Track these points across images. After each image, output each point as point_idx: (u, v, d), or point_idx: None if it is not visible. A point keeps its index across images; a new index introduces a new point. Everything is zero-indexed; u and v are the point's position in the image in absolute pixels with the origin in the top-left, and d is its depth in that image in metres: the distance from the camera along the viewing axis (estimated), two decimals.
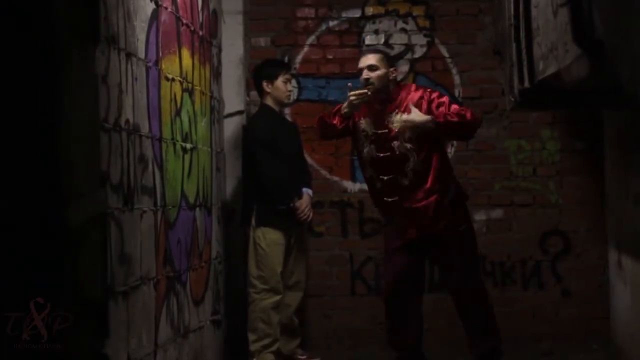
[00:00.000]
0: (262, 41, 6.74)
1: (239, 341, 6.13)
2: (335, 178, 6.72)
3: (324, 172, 6.70)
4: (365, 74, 5.18)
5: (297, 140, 6.20)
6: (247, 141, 6.11)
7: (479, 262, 5.54)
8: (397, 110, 5.14)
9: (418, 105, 5.10)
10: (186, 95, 5.27)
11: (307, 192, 6.00)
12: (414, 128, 5.08)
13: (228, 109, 6.52)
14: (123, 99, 4.05)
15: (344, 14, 6.76)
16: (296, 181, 5.98)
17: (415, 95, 5.17)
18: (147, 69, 4.47)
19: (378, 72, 5.17)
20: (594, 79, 3.14)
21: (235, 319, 6.24)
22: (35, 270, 3.43)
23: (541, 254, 6.62)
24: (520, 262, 6.62)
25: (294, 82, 6.43)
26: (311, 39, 6.76)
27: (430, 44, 6.68)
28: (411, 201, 5.14)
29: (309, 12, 6.77)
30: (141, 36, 4.37)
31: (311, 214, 6.02)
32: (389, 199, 5.20)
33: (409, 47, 6.68)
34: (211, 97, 6.01)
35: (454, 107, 5.12)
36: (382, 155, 5.17)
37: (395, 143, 5.14)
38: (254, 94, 6.44)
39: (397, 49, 6.67)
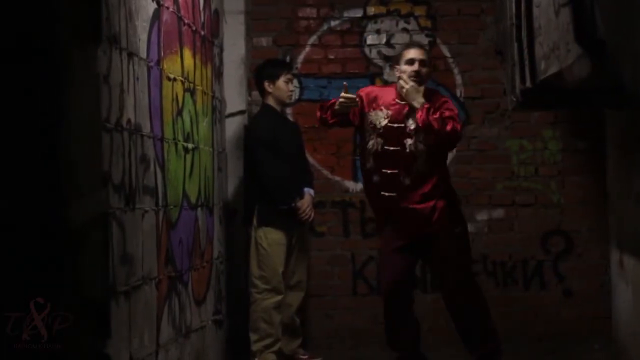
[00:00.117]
0: (264, 41, 6.74)
1: (240, 341, 6.13)
2: (337, 178, 6.72)
3: (325, 172, 6.70)
4: (418, 66, 5.18)
5: (298, 140, 6.20)
6: (248, 141, 6.12)
7: (471, 263, 5.54)
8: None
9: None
10: (188, 95, 5.27)
11: (308, 192, 6.00)
12: (407, 97, 5.10)
13: (230, 109, 6.52)
14: (125, 98, 4.05)
15: (345, 14, 6.76)
16: (298, 181, 5.97)
17: (435, 100, 5.18)
18: (149, 68, 4.47)
19: (426, 70, 5.24)
20: (596, 78, 3.14)
21: (237, 318, 6.24)
22: (36, 270, 3.43)
23: (543, 253, 6.62)
24: (521, 262, 6.62)
25: (295, 82, 6.43)
26: (313, 39, 6.76)
27: (432, 44, 6.67)
28: (409, 201, 5.14)
29: (310, 12, 6.77)
30: (143, 36, 4.37)
31: (313, 214, 6.02)
32: (386, 194, 5.19)
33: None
34: (213, 97, 6.01)
35: (446, 113, 5.11)
36: (391, 149, 5.16)
37: (409, 140, 5.14)
38: (255, 93, 6.44)
39: (399, 49, 6.65)
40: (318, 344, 6.55)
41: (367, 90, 5.40)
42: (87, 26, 3.69)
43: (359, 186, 6.56)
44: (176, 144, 4.98)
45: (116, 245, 3.86)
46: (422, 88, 5.14)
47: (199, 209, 5.49)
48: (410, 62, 5.21)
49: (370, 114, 5.25)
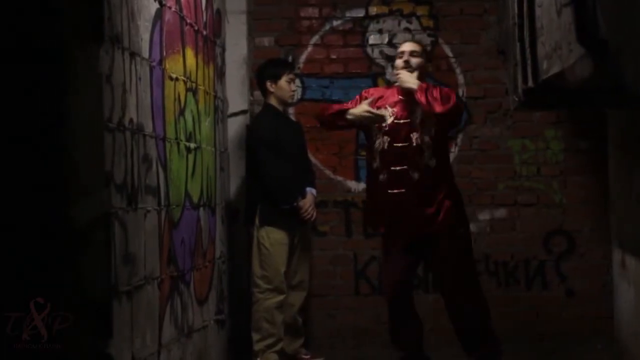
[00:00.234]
0: (266, 41, 6.75)
1: (242, 341, 6.14)
2: (339, 178, 6.72)
3: (327, 172, 6.70)
4: (407, 56, 5.24)
5: (300, 140, 6.19)
6: (250, 141, 6.12)
7: (474, 264, 5.54)
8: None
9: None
10: (190, 94, 5.28)
11: (310, 191, 6.00)
12: (402, 83, 5.17)
13: (232, 109, 6.52)
14: (127, 98, 4.05)
15: (347, 14, 6.76)
16: (300, 181, 5.98)
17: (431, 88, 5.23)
18: (151, 68, 4.47)
19: (418, 60, 5.24)
20: (598, 78, 3.14)
21: (239, 318, 6.24)
22: (36, 270, 3.44)
23: (545, 253, 6.62)
24: (524, 262, 6.62)
25: (297, 81, 6.43)
26: (315, 39, 6.76)
27: (434, 44, 6.67)
28: (417, 197, 5.13)
29: (312, 11, 6.77)
30: (145, 36, 4.37)
31: (315, 214, 6.02)
32: (395, 191, 5.18)
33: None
34: (215, 96, 6.01)
35: (444, 90, 5.23)
36: (399, 145, 5.17)
37: (415, 134, 5.15)
38: (257, 93, 6.44)
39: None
40: (320, 343, 6.55)
41: (371, 92, 5.45)
42: (89, 26, 3.69)
43: (361, 186, 6.56)
44: (178, 144, 4.99)
45: (118, 245, 3.86)
46: (415, 73, 5.20)
47: (201, 208, 5.49)
48: (401, 54, 5.30)
49: None
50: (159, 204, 4.54)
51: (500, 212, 6.65)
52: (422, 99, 5.06)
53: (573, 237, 6.59)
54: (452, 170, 5.45)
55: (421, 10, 6.73)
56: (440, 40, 6.70)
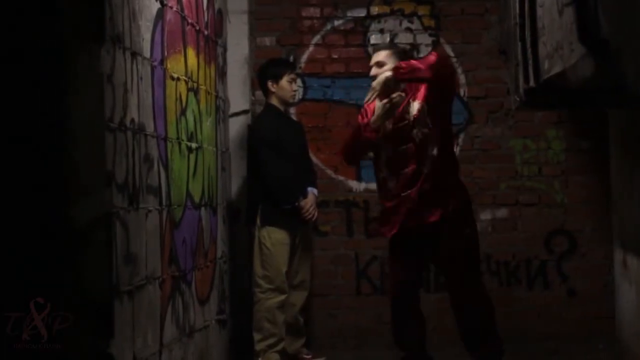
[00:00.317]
0: (267, 41, 6.75)
1: (244, 341, 6.14)
2: (341, 177, 6.72)
3: (329, 172, 6.70)
4: (374, 71, 5.21)
5: (302, 140, 6.20)
6: (252, 141, 6.12)
7: (479, 264, 5.52)
8: (410, 99, 5.14)
9: (419, 89, 5.14)
10: (191, 94, 5.28)
11: (312, 191, 6.00)
12: (385, 82, 5.10)
13: (233, 109, 6.52)
14: (128, 98, 4.05)
15: (349, 14, 6.77)
16: (301, 180, 5.98)
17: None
18: (153, 68, 4.47)
19: (386, 68, 5.18)
20: (599, 78, 3.14)
21: (241, 318, 6.24)
22: (36, 270, 3.44)
23: (546, 253, 6.62)
24: (525, 262, 6.62)
25: (299, 81, 6.43)
26: (316, 39, 6.77)
27: (436, 44, 6.67)
28: (427, 193, 5.09)
29: (314, 11, 6.78)
30: (146, 35, 4.38)
31: (316, 214, 6.02)
32: (404, 194, 5.15)
33: (414, 47, 6.68)
34: (216, 96, 6.01)
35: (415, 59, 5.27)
36: (404, 147, 5.15)
37: (415, 131, 5.13)
38: (259, 93, 6.44)
39: None
40: (321, 343, 6.55)
41: (368, 106, 5.37)
42: (90, 26, 3.69)
43: (363, 186, 6.57)
44: (180, 144, 4.99)
45: (120, 245, 3.86)
46: (382, 75, 5.13)
47: (203, 208, 5.49)
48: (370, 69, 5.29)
49: None
50: (161, 203, 4.54)
51: (502, 212, 6.65)
52: (405, 71, 5.00)
53: (574, 237, 6.59)
54: (458, 162, 5.37)
55: (422, 10, 6.73)
56: (442, 40, 6.70)
